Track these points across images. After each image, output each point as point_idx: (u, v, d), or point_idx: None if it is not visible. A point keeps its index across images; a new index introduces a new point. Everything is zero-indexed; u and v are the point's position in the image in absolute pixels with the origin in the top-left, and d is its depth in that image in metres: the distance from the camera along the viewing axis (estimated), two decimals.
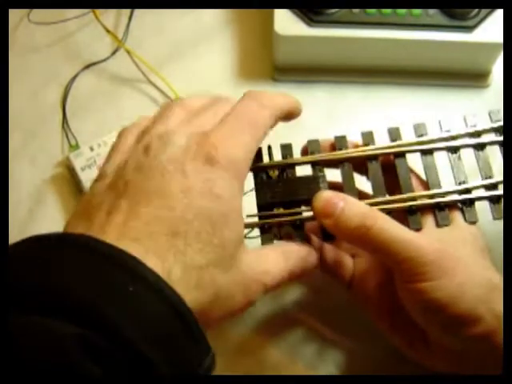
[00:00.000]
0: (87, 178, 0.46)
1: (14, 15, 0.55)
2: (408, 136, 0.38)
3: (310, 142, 0.38)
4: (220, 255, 0.29)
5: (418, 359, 0.37)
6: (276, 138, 0.38)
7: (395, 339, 0.38)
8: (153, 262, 0.26)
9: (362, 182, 0.38)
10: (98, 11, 0.52)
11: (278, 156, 0.37)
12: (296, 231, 0.35)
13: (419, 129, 0.38)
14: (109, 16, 0.55)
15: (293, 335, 0.42)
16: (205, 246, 0.28)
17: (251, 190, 0.36)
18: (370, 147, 0.37)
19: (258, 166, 0.36)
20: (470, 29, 0.47)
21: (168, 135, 0.31)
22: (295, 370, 0.41)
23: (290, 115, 0.35)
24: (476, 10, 0.47)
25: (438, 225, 0.35)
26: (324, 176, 0.36)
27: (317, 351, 0.41)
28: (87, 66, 0.53)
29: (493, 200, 0.36)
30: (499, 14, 0.48)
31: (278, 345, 0.41)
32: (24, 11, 0.54)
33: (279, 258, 0.33)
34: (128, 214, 0.28)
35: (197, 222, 0.28)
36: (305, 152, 0.38)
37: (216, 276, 0.29)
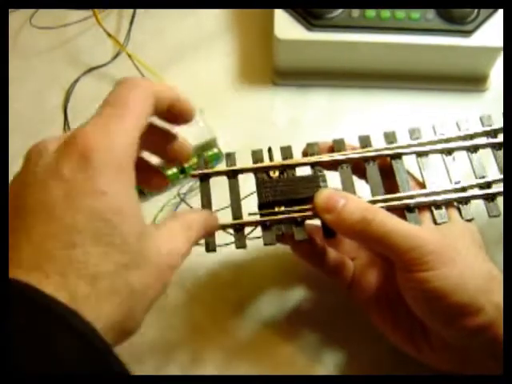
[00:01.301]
0: None
1: (16, 19, 0.55)
2: (404, 140, 0.38)
3: (309, 145, 0.38)
4: (127, 254, 0.27)
5: (418, 357, 0.37)
6: (276, 141, 0.38)
7: (396, 337, 0.38)
8: (56, 285, 0.25)
9: (361, 187, 0.38)
10: (100, 15, 0.52)
11: (278, 158, 0.38)
12: (297, 228, 0.35)
13: (414, 133, 0.38)
14: (110, 20, 0.55)
15: (293, 335, 0.42)
16: (108, 249, 0.26)
17: (253, 193, 0.37)
18: (368, 149, 0.38)
19: (258, 167, 0.37)
20: (468, 33, 0.48)
21: (42, 145, 0.29)
22: (295, 370, 0.41)
23: (174, 108, 0.32)
24: (474, 15, 0.48)
25: (436, 223, 0.36)
26: (324, 175, 0.37)
27: (317, 351, 0.41)
28: (89, 70, 0.53)
29: (487, 198, 0.37)
30: (497, 18, 0.48)
31: (277, 345, 0.42)
32: (26, 15, 0.55)
33: (181, 232, 0.31)
34: (18, 244, 0.26)
35: (91, 225, 0.26)
36: (305, 155, 0.38)
37: (129, 276, 0.27)
